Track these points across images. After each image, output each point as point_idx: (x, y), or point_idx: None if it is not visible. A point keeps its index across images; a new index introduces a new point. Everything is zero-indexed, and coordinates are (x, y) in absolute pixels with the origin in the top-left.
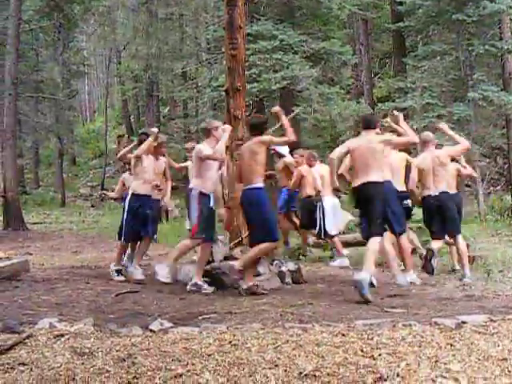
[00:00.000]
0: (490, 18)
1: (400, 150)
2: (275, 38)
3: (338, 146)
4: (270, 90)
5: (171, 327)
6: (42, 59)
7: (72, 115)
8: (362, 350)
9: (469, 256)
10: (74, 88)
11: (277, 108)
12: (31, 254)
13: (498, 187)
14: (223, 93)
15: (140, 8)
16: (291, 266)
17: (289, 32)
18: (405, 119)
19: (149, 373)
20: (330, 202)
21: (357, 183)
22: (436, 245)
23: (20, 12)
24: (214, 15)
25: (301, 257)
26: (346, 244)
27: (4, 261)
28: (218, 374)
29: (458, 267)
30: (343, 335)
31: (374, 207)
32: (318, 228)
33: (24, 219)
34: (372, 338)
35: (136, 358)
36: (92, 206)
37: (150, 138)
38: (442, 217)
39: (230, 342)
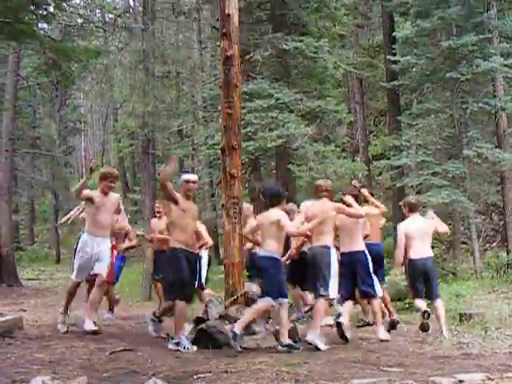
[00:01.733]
0: (484, 76)
1: None
2: (271, 97)
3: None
4: (265, 148)
5: None
6: (39, 116)
7: (68, 172)
8: None
9: (463, 313)
10: (70, 144)
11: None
12: (25, 311)
13: (494, 244)
14: (219, 151)
15: (137, 66)
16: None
17: (284, 91)
18: (400, 177)
19: None
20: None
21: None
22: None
23: (18, 69)
24: (210, 73)
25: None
26: None
27: None
28: None
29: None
30: None
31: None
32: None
33: (18, 275)
34: None
35: None
36: None
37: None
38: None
39: None
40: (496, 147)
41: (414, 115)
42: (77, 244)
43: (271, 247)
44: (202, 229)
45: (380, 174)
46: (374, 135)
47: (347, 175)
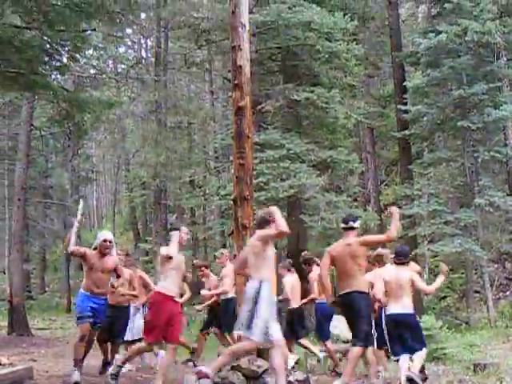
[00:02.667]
0: (495, 125)
1: None
2: (282, 147)
3: None
4: (277, 198)
5: None
6: (51, 165)
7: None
8: None
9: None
10: (82, 194)
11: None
12: (35, 361)
13: (508, 293)
14: (231, 201)
15: (149, 116)
16: (299, 375)
17: (296, 141)
18: (412, 226)
19: None
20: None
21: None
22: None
23: (31, 118)
24: (221, 124)
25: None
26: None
27: (7, 367)
28: None
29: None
30: None
31: None
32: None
33: (29, 324)
34: None
35: None
36: None
37: None
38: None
39: None
40: (508, 195)
41: (425, 164)
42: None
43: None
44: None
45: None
46: (385, 184)
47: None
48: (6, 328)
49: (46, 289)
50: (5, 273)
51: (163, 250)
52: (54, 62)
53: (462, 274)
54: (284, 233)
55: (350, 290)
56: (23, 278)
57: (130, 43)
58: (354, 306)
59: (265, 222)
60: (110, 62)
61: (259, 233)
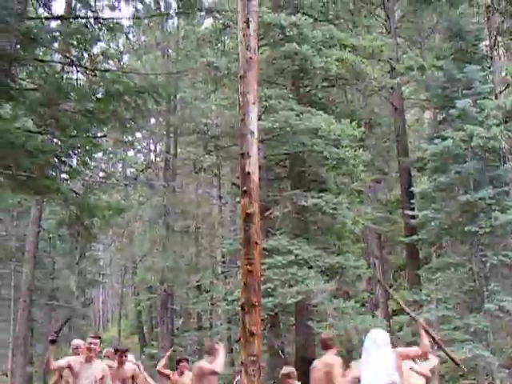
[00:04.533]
0: (502, 229)
1: None
2: (290, 253)
3: (353, 359)
4: (285, 304)
5: None
6: (58, 267)
7: (85, 324)
8: None
9: None
10: (88, 296)
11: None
12: None
13: None
14: (238, 307)
15: (157, 221)
16: None
17: (304, 247)
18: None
19: None
20: None
21: None
22: None
23: (40, 220)
24: (229, 229)
25: None
26: None
27: None
28: None
29: None
30: None
31: None
32: None
33: None
34: None
35: None
36: None
37: None
38: None
39: None
40: None
41: (433, 269)
42: None
43: None
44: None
45: (401, 328)
46: (393, 289)
47: (367, 331)
48: None
49: None
50: (7, 375)
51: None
52: (64, 167)
53: (473, 379)
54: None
55: None
56: (26, 381)
57: (139, 147)
58: None
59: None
60: (120, 165)
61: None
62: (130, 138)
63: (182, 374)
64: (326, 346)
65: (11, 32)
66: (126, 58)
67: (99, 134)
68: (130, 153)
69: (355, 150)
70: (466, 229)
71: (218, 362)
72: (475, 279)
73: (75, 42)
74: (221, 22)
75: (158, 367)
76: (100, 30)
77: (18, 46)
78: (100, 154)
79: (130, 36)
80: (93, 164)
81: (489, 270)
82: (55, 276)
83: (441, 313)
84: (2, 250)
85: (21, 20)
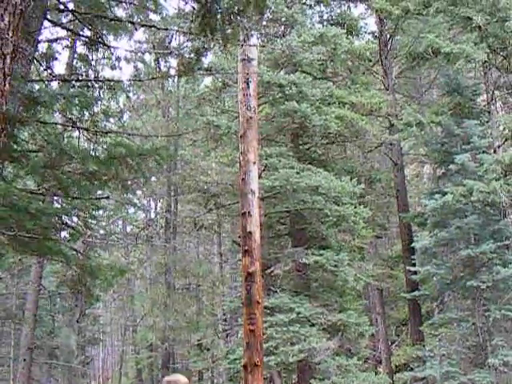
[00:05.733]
0: (504, 283)
1: None
2: (292, 311)
3: None
4: (287, 362)
5: None
6: (57, 325)
7: (85, 382)
8: None
9: None
10: (88, 354)
11: None
12: None
13: None
14: (240, 366)
15: (158, 279)
16: None
17: (305, 304)
18: None
19: None
20: None
21: None
22: None
23: (41, 278)
24: (230, 286)
25: None
26: None
27: None
28: None
29: None
30: None
31: None
32: None
33: None
34: None
35: None
36: None
37: None
38: None
39: None
40: None
41: (436, 325)
42: None
43: None
44: None
45: None
46: (396, 345)
47: None
48: None
49: None
50: None
51: None
52: (67, 229)
53: None
54: None
55: None
56: None
57: (139, 205)
58: None
59: None
60: (120, 222)
61: None
62: (130, 196)
63: None
64: None
65: (15, 94)
66: (126, 116)
67: (101, 195)
68: (131, 210)
69: (355, 207)
70: (467, 283)
71: None
72: (478, 334)
73: (77, 102)
74: (220, 80)
75: None
76: (101, 88)
77: (21, 108)
78: (100, 212)
79: (131, 95)
80: (93, 222)
81: (492, 324)
82: (55, 334)
83: (444, 369)
84: (2, 309)
85: (24, 82)
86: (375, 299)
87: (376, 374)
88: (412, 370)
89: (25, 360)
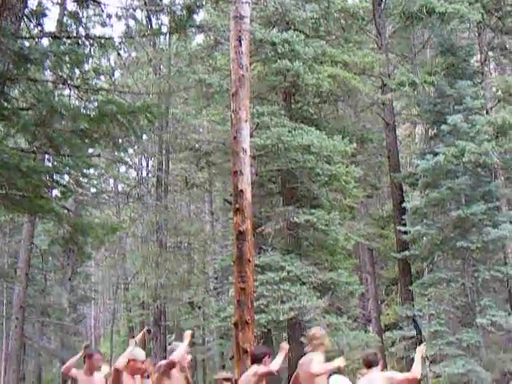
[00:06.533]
0: (494, 244)
1: None
2: (283, 269)
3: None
4: (277, 321)
5: None
6: (49, 283)
7: (77, 340)
8: None
9: None
10: (80, 313)
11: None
12: None
13: None
14: (231, 324)
15: (149, 237)
16: None
17: (296, 263)
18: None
19: None
20: None
21: None
22: None
23: (32, 237)
24: (221, 245)
25: None
26: None
27: None
28: None
29: None
30: None
31: None
32: None
33: None
34: None
35: None
36: None
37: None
38: None
39: None
40: (510, 314)
41: (425, 285)
42: None
43: None
44: None
45: (393, 344)
46: (385, 304)
47: (360, 347)
48: None
49: None
50: None
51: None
52: (58, 187)
53: None
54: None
55: None
56: None
57: (131, 163)
58: None
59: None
60: (111, 181)
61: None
62: (122, 155)
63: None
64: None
65: (5, 51)
66: (117, 74)
67: (92, 153)
68: (122, 169)
69: (347, 166)
70: (457, 244)
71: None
72: (467, 294)
73: (67, 60)
74: (212, 38)
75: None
76: (92, 46)
77: (11, 66)
78: (92, 170)
79: (122, 52)
80: (85, 180)
81: (481, 284)
82: (47, 292)
83: (433, 328)
84: None
85: (14, 39)
86: (366, 258)
87: (365, 332)
88: (401, 328)
89: (17, 318)
